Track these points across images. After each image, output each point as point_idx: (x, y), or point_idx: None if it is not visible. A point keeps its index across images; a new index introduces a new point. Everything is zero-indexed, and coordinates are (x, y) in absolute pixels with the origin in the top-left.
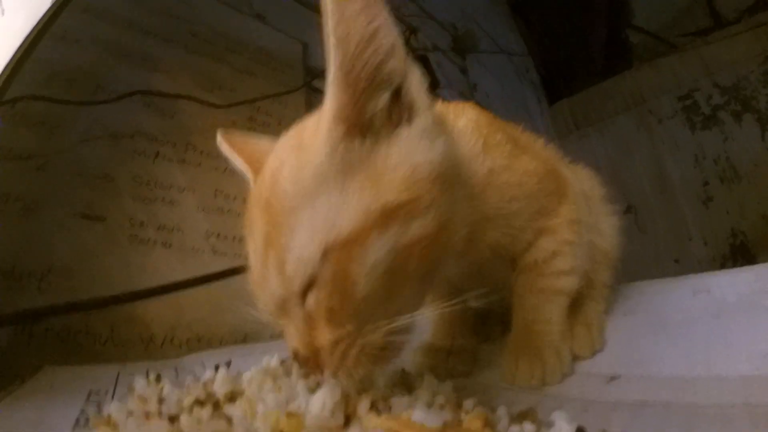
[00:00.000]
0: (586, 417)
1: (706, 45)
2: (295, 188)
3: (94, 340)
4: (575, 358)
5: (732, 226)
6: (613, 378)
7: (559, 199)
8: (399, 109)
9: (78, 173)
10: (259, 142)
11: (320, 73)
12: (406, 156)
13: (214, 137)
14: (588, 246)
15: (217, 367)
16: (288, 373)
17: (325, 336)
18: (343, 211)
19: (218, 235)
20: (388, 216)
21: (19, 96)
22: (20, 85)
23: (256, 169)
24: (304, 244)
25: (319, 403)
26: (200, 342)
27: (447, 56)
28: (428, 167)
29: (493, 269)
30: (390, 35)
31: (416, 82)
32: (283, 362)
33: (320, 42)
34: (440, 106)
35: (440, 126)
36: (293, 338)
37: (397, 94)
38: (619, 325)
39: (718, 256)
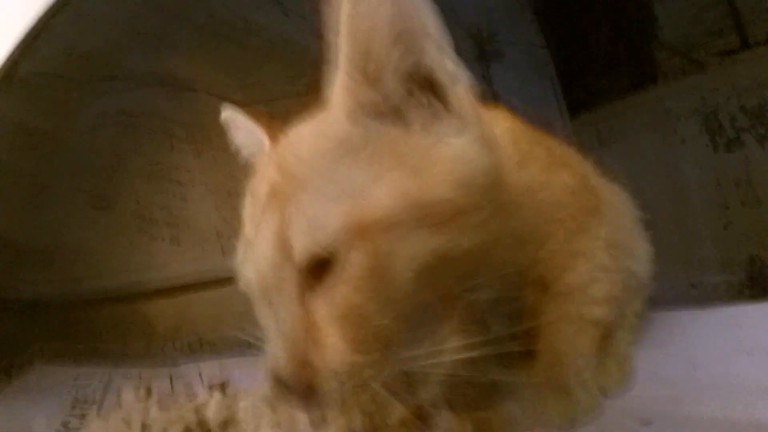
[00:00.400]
0: None
1: (733, 65)
2: (313, 151)
3: (95, 334)
4: (604, 393)
5: (751, 253)
6: (647, 422)
7: (597, 218)
8: (435, 103)
9: (90, 157)
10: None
11: None
12: (463, 158)
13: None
14: (625, 272)
15: (212, 387)
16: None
17: (330, 353)
18: (374, 188)
19: (228, 226)
20: (434, 215)
21: (34, 72)
22: (35, 62)
23: (273, 136)
24: (320, 209)
25: None
26: (202, 345)
27: (471, 65)
28: (485, 176)
29: (520, 296)
30: (426, 26)
31: (460, 83)
32: None
33: None
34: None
35: (492, 137)
36: (277, 345)
37: (432, 87)
38: (648, 359)
39: (735, 283)
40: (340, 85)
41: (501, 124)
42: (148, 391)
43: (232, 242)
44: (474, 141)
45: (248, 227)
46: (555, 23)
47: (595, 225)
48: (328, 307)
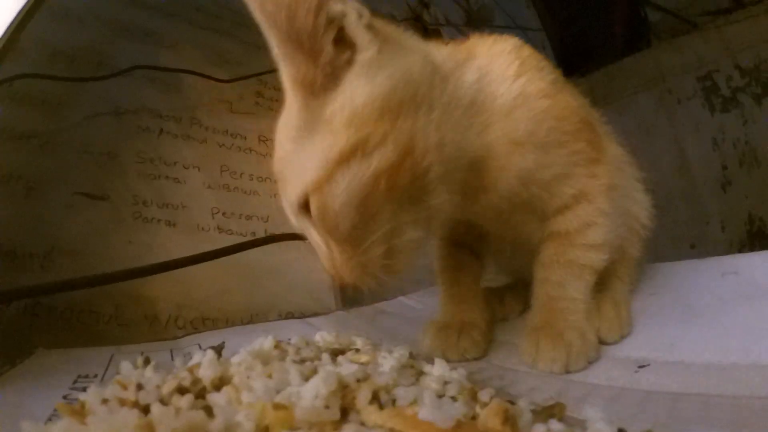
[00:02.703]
0: (616, 408)
1: (727, 25)
2: (284, 139)
3: (98, 318)
4: (602, 340)
5: (750, 212)
6: (642, 365)
7: (597, 154)
8: (343, 53)
9: (81, 151)
10: None
11: None
12: (348, 98)
13: (220, 113)
14: (623, 215)
15: (206, 350)
16: (282, 357)
17: (337, 254)
18: (311, 161)
19: (224, 212)
20: (346, 158)
21: (18, 74)
22: (18, 64)
23: None
24: (294, 186)
25: (312, 392)
26: (206, 322)
27: (460, 31)
28: (371, 104)
29: (517, 223)
30: None
31: (353, 19)
32: (278, 344)
33: None
34: (474, 38)
35: (393, 52)
36: (320, 252)
37: (341, 38)
38: (645, 306)
39: (735, 242)
40: (285, 78)
41: (508, 41)
42: (147, 360)
43: (226, 219)
44: (359, 71)
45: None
46: None
47: (596, 161)
48: (320, 236)
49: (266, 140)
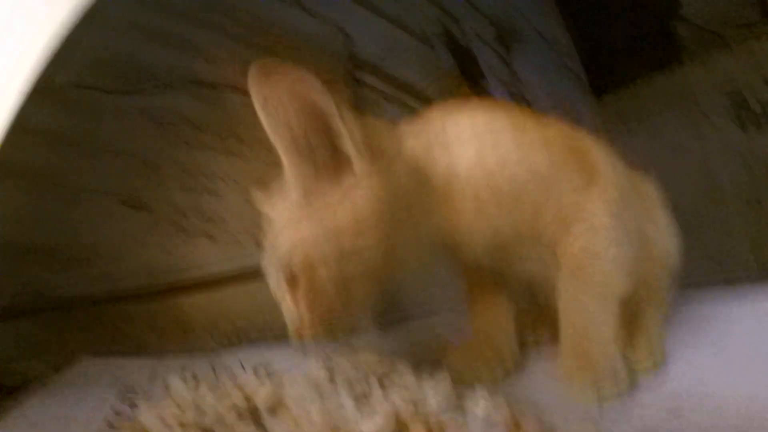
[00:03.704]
0: None
1: (755, 39)
2: (283, 215)
3: (133, 325)
4: (634, 378)
5: None
6: (676, 399)
7: (586, 179)
8: (341, 159)
9: (124, 159)
10: None
11: (363, 64)
12: (348, 205)
13: (258, 127)
14: (637, 234)
15: (256, 372)
16: (331, 379)
17: (307, 320)
18: (308, 241)
19: (262, 218)
20: (342, 248)
21: (64, 83)
22: (63, 72)
23: None
24: (286, 253)
25: (372, 428)
26: (239, 334)
27: (491, 47)
28: (370, 212)
29: (516, 260)
30: (320, 103)
31: (348, 140)
32: (327, 369)
33: (362, 32)
34: (448, 104)
35: (384, 169)
36: (289, 318)
37: (336, 148)
38: (678, 337)
39: (763, 261)
40: (287, 177)
41: (455, 118)
42: (195, 378)
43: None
44: (359, 183)
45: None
46: (575, 4)
47: (587, 183)
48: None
49: None
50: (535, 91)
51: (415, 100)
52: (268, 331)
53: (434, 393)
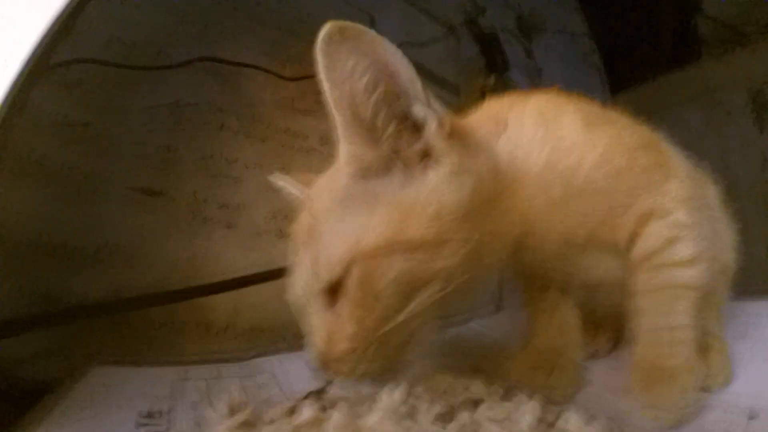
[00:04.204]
0: None
1: None
2: (330, 202)
3: (150, 324)
4: (706, 387)
5: None
6: (753, 415)
7: (663, 174)
8: (416, 148)
9: (138, 144)
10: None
11: None
12: (433, 197)
13: (281, 111)
14: (710, 231)
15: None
16: (411, 407)
17: (345, 341)
18: (370, 230)
19: (285, 215)
20: (414, 246)
21: (74, 59)
22: (75, 48)
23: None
24: (334, 247)
25: None
26: (257, 334)
27: (514, 37)
28: (455, 208)
29: (589, 266)
30: (401, 78)
31: (433, 130)
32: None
33: (387, 17)
34: (512, 96)
35: (470, 159)
36: (316, 335)
37: (408, 126)
38: (740, 351)
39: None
40: (341, 151)
41: (530, 104)
42: (232, 405)
43: (286, 223)
44: (445, 176)
45: (292, 257)
46: (597, 2)
47: (663, 181)
48: (344, 307)
49: (328, 141)
50: (556, 83)
51: (441, 88)
52: (291, 323)
53: (523, 411)
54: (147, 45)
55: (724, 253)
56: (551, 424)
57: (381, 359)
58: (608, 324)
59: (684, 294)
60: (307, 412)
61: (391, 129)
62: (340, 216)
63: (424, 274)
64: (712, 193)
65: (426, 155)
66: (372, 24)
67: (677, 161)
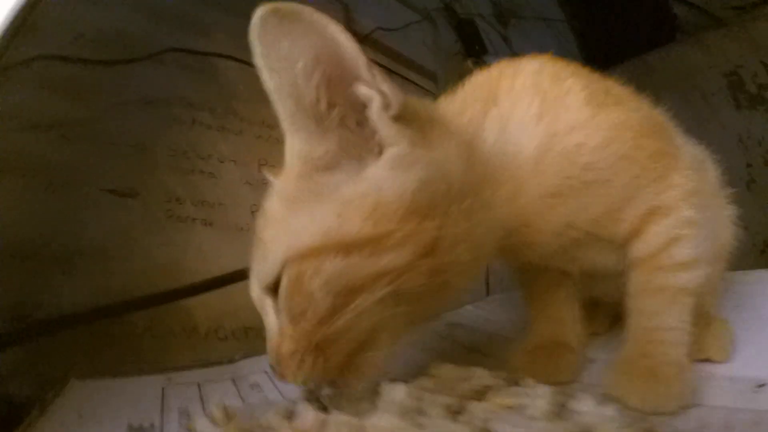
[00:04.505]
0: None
1: (753, 21)
2: (278, 202)
3: (130, 330)
4: (711, 360)
5: None
6: (761, 384)
7: (669, 163)
8: (368, 135)
9: (108, 143)
10: None
11: (362, 38)
12: (373, 188)
13: (256, 103)
14: (712, 226)
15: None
16: (420, 411)
17: (287, 341)
18: (306, 230)
19: (262, 199)
20: (350, 246)
21: (38, 55)
22: (37, 47)
23: None
24: (274, 249)
25: None
26: (248, 334)
27: (489, 23)
28: (399, 201)
29: (587, 259)
30: (343, 57)
31: (375, 110)
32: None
33: (360, 4)
34: (498, 68)
35: (427, 147)
36: (269, 333)
37: (360, 120)
38: (738, 321)
39: (758, 242)
40: (287, 147)
41: (524, 71)
42: (227, 412)
43: None
44: (387, 166)
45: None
46: None
47: (669, 170)
48: (282, 311)
49: None
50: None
51: (417, 74)
52: None
53: (534, 396)
54: (114, 39)
55: (724, 233)
56: (563, 406)
57: (324, 365)
58: (606, 304)
59: (682, 297)
60: (307, 415)
61: (334, 115)
62: (284, 216)
63: (361, 277)
64: (712, 174)
65: (376, 148)
66: (346, 11)
67: (683, 147)
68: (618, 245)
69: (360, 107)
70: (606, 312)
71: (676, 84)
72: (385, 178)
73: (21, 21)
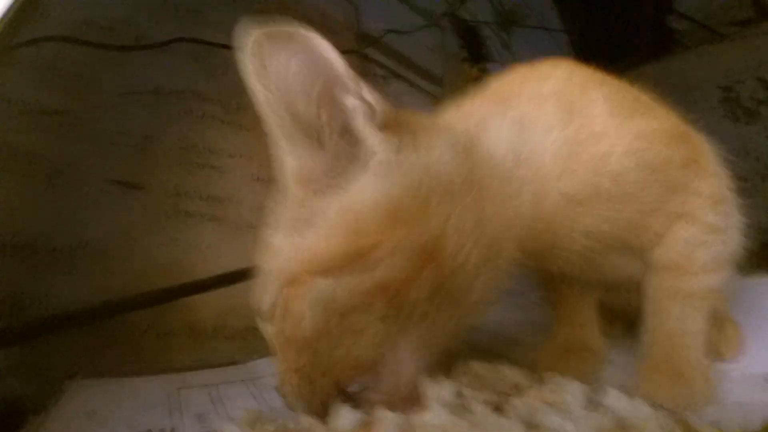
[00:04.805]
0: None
1: (751, 37)
2: (273, 235)
3: (132, 329)
4: (722, 358)
5: (764, 224)
6: None
7: (696, 170)
8: (350, 147)
9: (115, 133)
10: None
11: (370, 39)
12: (352, 199)
13: None
14: (733, 231)
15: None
16: (465, 405)
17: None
18: (297, 256)
19: (272, 197)
20: (337, 265)
21: (45, 36)
22: (46, 27)
23: None
24: (271, 278)
25: None
26: (255, 334)
27: (492, 30)
28: (382, 208)
29: (612, 267)
30: (332, 71)
31: (359, 119)
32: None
33: (369, 6)
34: (516, 72)
35: (414, 154)
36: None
37: (346, 133)
38: (744, 323)
39: (752, 255)
40: (286, 168)
41: (551, 77)
42: (255, 416)
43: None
44: (370, 175)
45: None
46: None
47: (695, 177)
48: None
49: None
50: None
51: (422, 78)
52: None
53: (568, 392)
54: (125, 27)
55: (735, 238)
56: (597, 403)
57: (316, 389)
58: (623, 312)
59: (701, 302)
60: (346, 414)
61: (327, 127)
62: (280, 245)
63: (354, 295)
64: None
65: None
66: (357, 12)
67: (710, 154)
68: (640, 254)
69: (350, 119)
70: (617, 314)
71: (673, 97)
72: (366, 188)
73: (29, 2)
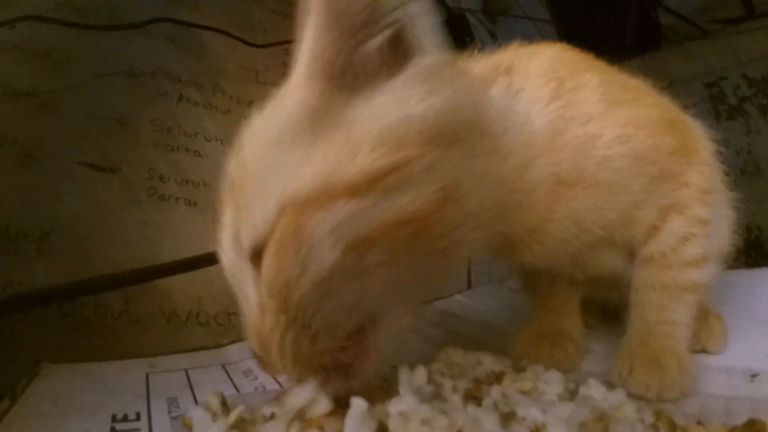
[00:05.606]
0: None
1: (737, 34)
2: (263, 144)
3: (105, 314)
4: (707, 351)
5: (748, 221)
6: (755, 374)
7: (686, 160)
8: (396, 57)
9: (88, 115)
10: None
11: None
12: (387, 107)
13: (245, 82)
14: (720, 222)
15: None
16: (439, 396)
17: (269, 317)
18: (307, 167)
19: None
20: (362, 184)
21: (20, 16)
22: (22, 8)
23: None
24: (262, 200)
25: None
26: (230, 317)
27: (478, 18)
28: (421, 120)
29: (598, 263)
30: None
31: (421, 21)
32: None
33: None
34: (512, 48)
35: (451, 72)
36: (247, 307)
37: (397, 39)
38: (728, 317)
39: (732, 250)
40: (311, 46)
41: (543, 54)
42: (224, 402)
43: None
44: (413, 79)
45: (219, 233)
46: None
47: (686, 166)
48: (264, 276)
49: None
50: None
51: None
52: None
53: (547, 381)
54: (100, 6)
55: (724, 232)
56: (573, 392)
57: (312, 349)
58: (603, 304)
59: (685, 294)
60: (320, 401)
61: (377, 32)
62: (274, 158)
63: (376, 225)
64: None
65: (396, 68)
66: None
67: (703, 142)
68: (627, 249)
69: (407, 27)
70: (598, 304)
71: (660, 91)
72: (405, 95)
73: None
